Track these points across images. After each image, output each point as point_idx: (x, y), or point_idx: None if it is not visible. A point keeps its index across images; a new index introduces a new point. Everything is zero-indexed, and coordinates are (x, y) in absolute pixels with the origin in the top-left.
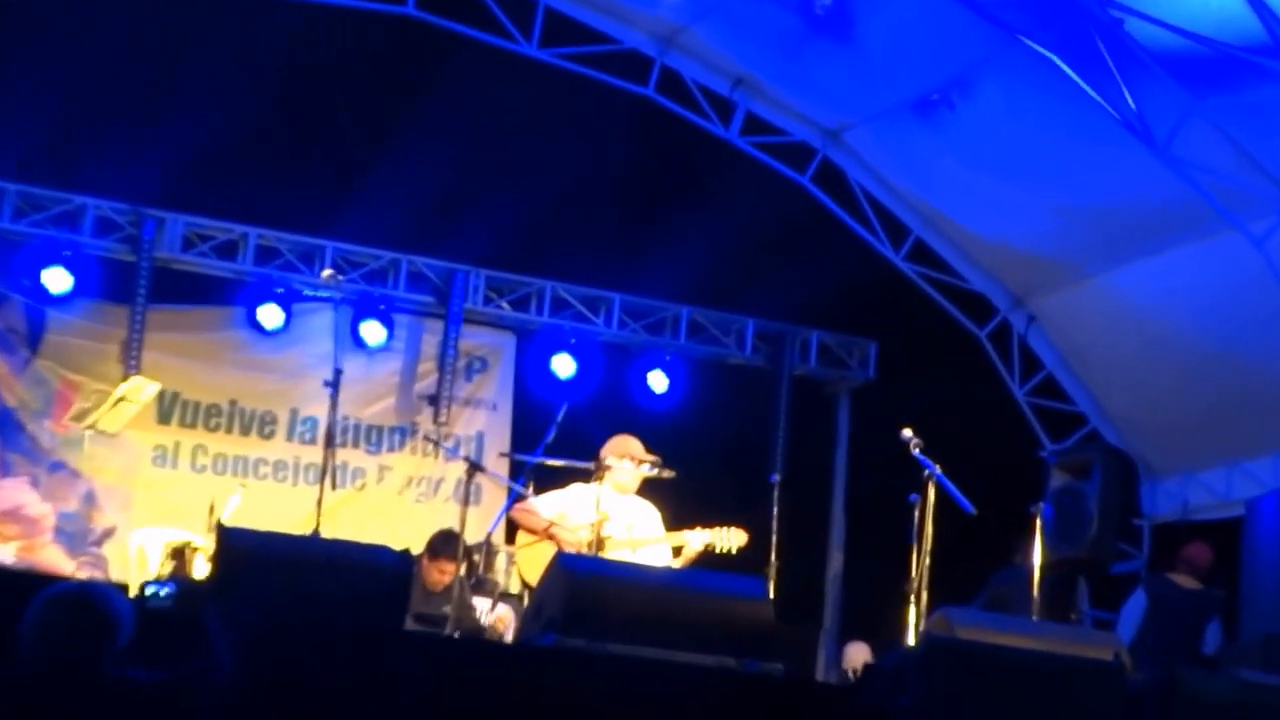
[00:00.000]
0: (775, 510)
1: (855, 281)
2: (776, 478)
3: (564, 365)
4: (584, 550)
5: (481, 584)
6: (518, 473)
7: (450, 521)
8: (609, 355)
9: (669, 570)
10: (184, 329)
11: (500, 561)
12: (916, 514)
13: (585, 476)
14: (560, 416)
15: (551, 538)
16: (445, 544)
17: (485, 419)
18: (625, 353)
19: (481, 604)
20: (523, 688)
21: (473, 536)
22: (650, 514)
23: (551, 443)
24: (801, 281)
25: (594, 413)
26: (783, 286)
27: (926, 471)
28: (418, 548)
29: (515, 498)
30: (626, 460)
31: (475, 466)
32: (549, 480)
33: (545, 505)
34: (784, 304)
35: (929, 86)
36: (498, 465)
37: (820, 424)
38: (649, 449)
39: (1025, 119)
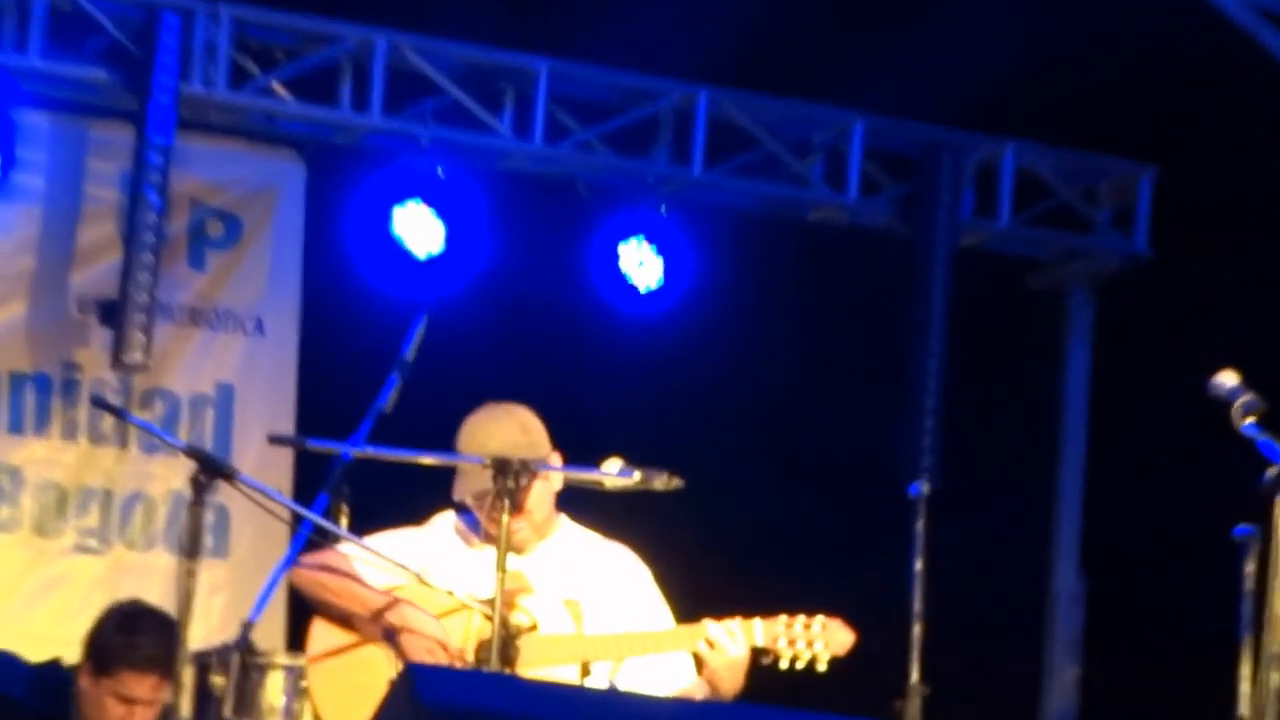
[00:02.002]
0: (918, 562)
1: (1099, 30)
2: (921, 488)
3: (420, 228)
4: (463, 662)
5: None
6: (312, 481)
7: (155, 588)
8: (527, 204)
9: (673, 706)
10: None
11: (272, 687)
12: (1249, 565)
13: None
14: (412, 348)
15: (391, 635)
16: (129, 639)
17: (237, 355)
18: (564, 198)
19: None
20: None
21: (210, 629)
22: (627, 576)
23: (392, 410)
24: (974, 32)
25: (496, 337)
26: (927, 43)
27: (1276, 469)
28: (77, 650)
29: (305, 541)
30: (465, 491)
31: (213, 466)
32: (388, 498)
33: (378, 554)
34: (932, 82)
35: None
36: (267, 465)
37: (1024, 360)
38: (556, 443)
39: None
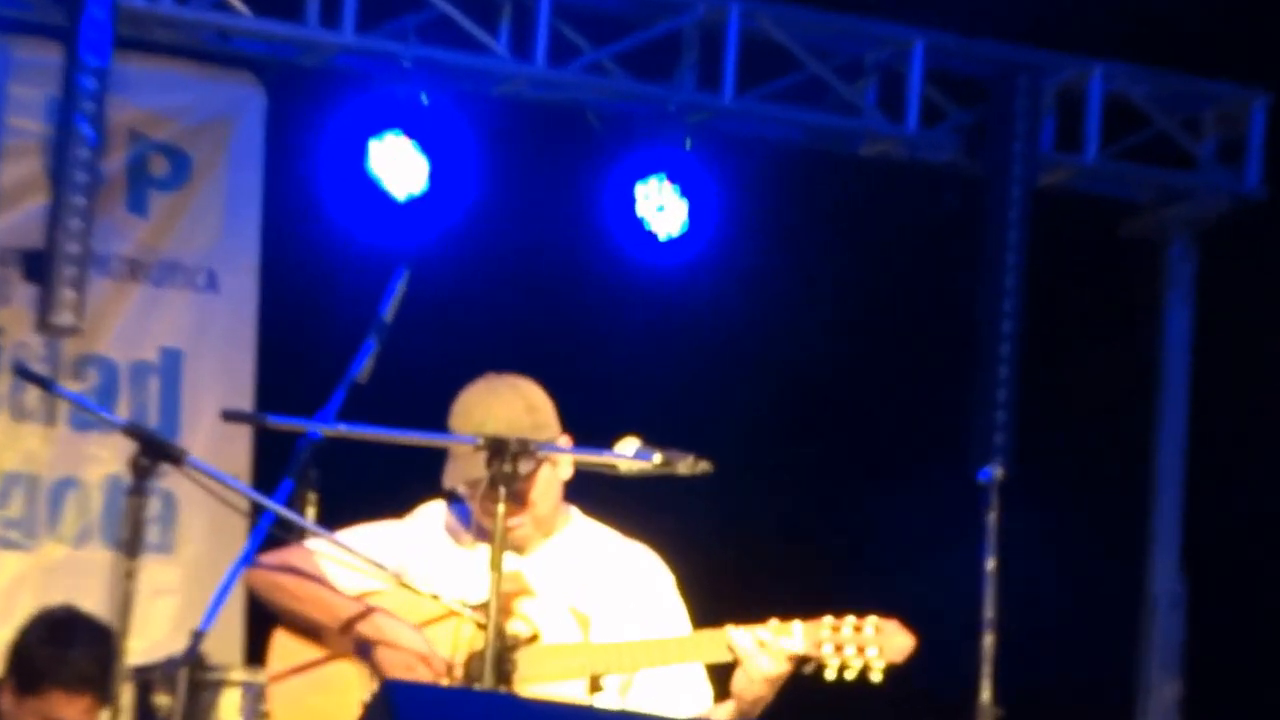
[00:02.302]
0: (990, 560)
1: None
2: (994, 473)
3: (400, 164)
4: (451, 678)
5: None
6: (274, 465)
7: (89, 590)
8: (527, 136)
9: None
10: None
11: (226, 709)
12: None
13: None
14: (391, 307)
15: (364, 649)
16: (60, 653)
17: (185, 316)
18: (571, 130)
19: None
20: None
21: (154, 640)
22: (646, 582)
23: (367, 381)
24: None
25: (490, 294)
26: None
27: None
28: None
29: (265, 536)
30: (457, 477)
31: (157, 448)
32: (363, 486)
33: (351, 552)
34: None
35: None
36: (221, 445)
37: (1115, 321)
38: (567, 427)
39: None
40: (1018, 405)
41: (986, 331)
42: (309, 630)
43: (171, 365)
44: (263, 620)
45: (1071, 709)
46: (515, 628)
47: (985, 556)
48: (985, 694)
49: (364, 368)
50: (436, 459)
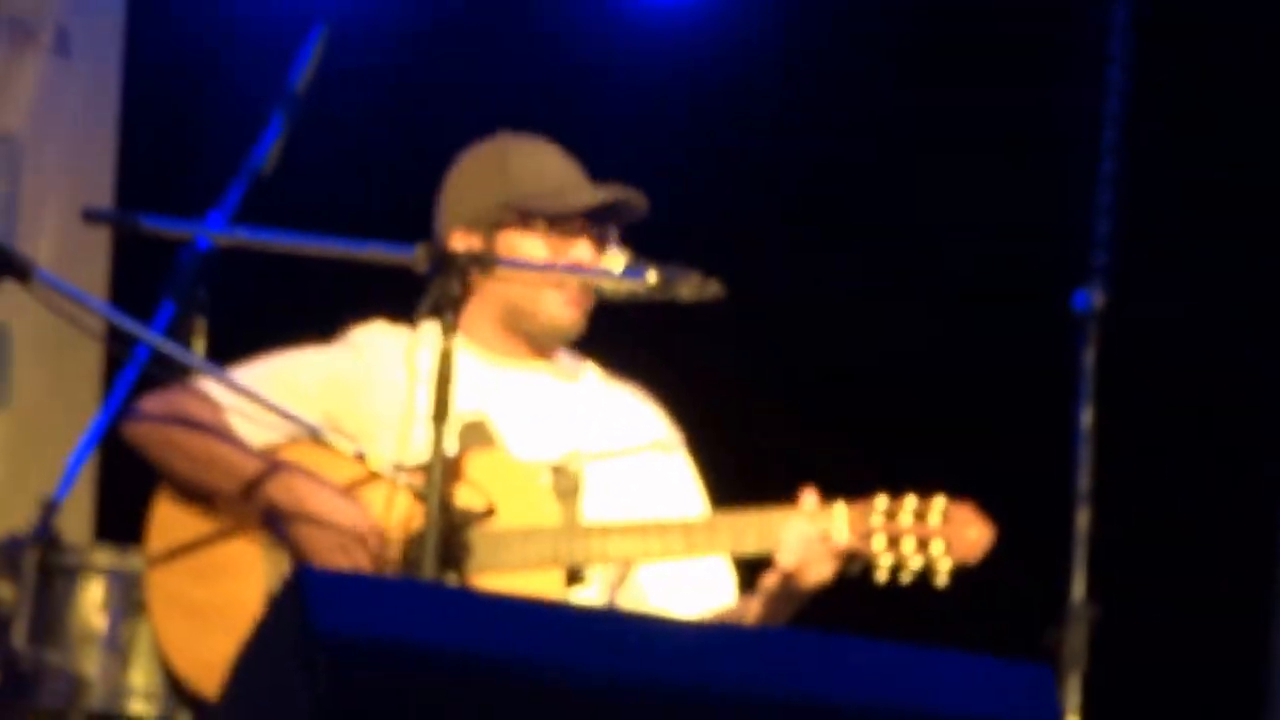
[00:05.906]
0: (1086, 412)
1: None
2: (1093, 299)
3: None
4: (389, 564)
5: (24, 684)
6: (143, 284)
7: None
8: None
9: (708, 633)
10: None
11: (88, 602)
12: None
13: (405, 294)
14: (304, 75)
15: (271, 519)
16: None
17: (27, 86)
18: None
19: None
20: None
21: None
22: (650, 439)
23: (271, 168)
24: None
25: (442, 54)
26: None
27: None
28: None
29: (138, 377)
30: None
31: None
32: (267, 310)
33: (256, 392)
34: None
35: None
36: (72, 256)
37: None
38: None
39: None
40: (1126, 206)
41: (1087, 101)
42: (204, 497)
43: (8, 151)
44: (120, 488)
45: (1196, 606)
46: (466, 499)
47: (1080, 409)
48: (1078, 589)
49: (268, 155)
50: (364, 277)
